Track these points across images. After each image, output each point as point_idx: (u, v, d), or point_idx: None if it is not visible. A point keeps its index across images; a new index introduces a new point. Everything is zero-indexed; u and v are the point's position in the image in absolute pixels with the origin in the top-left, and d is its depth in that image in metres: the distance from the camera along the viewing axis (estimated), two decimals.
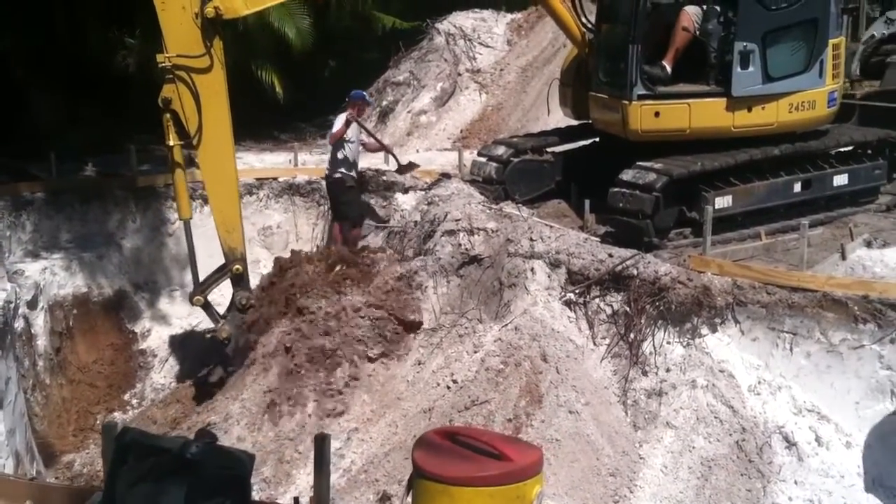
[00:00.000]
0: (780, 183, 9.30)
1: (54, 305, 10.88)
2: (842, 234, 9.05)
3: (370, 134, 12.25)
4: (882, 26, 15.37)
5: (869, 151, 10.14)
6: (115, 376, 11.10)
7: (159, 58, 8.58)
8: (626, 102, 9.13)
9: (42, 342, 10.43)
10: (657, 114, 9.12)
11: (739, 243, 8.99)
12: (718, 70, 9.19)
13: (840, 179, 9.68)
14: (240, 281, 9.44)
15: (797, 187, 9.42)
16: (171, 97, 8.69)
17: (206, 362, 10.03)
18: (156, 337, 11.66)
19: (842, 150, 10.11)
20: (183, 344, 11.58)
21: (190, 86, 8.66)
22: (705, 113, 9.10)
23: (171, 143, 8.87)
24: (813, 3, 9.06)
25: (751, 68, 8.99)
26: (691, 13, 9.29)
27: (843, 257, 8.29)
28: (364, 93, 12.16)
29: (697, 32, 9.27)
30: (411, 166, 12.05)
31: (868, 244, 8.59)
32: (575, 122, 11.13)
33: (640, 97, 9.09)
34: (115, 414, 10.55)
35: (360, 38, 19.42)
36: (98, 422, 10.33)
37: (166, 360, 11.33)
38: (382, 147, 12.18)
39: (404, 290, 9.32)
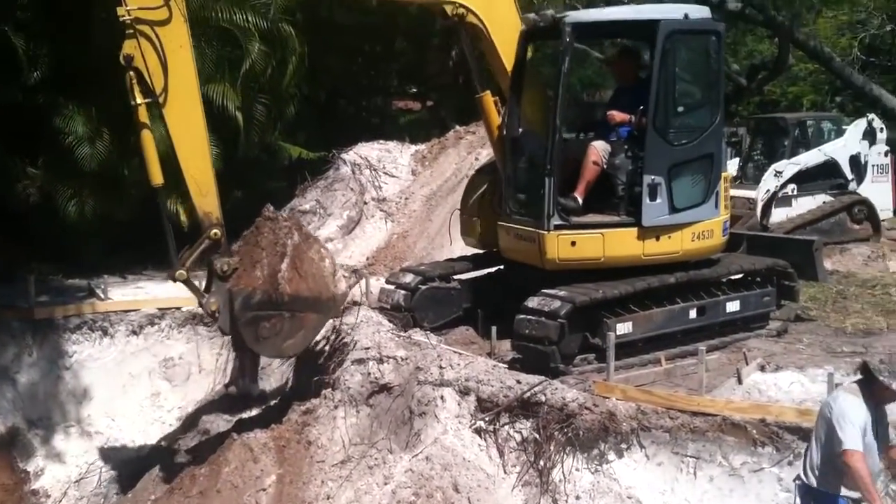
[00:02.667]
0: (677, 310, 9.65)
1: None
2: (737, 359, 9.38)
3: None
4: (773, 180, 16.19)
5: (758, 279, 10.62)
6: None
7: (119, 11, 8.09)
8: (544, 233, 9.38)
9: None
10: (573, 243, 9.38)
11: (641, 368, 9.22)
12: (629, 201, 9.56)
13: (732, 306, 10.09)
14: (218, 247, 8.88)
15: (693, 313, 9.77)
16: (133, 54, 8.17)
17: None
18: (50, 476, 11.09)
19: (733, 277, 10.57)
20: (78, 484, 11.05)
21: (152, 40, 8.20)
22: (618, 242, 9.43)
23: (138, 101, 8.30)
24: (709, 139, 9.67)
25: (658, 200, 9.40)
26: (599, 149, 9.70)
27: (740, 381, 8.61)
28: None
29: (605, 166, 9.70)
30: None
31: (762, 368, 8.95)
32: (480, 250, 11.39)
33: (557, 227, 9.37)
34: None
35: (267, 168, 19.57)
36: None
37: (60, 501, 10.77)
38: None
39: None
